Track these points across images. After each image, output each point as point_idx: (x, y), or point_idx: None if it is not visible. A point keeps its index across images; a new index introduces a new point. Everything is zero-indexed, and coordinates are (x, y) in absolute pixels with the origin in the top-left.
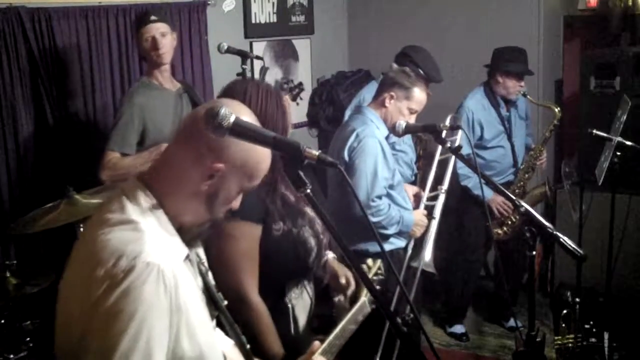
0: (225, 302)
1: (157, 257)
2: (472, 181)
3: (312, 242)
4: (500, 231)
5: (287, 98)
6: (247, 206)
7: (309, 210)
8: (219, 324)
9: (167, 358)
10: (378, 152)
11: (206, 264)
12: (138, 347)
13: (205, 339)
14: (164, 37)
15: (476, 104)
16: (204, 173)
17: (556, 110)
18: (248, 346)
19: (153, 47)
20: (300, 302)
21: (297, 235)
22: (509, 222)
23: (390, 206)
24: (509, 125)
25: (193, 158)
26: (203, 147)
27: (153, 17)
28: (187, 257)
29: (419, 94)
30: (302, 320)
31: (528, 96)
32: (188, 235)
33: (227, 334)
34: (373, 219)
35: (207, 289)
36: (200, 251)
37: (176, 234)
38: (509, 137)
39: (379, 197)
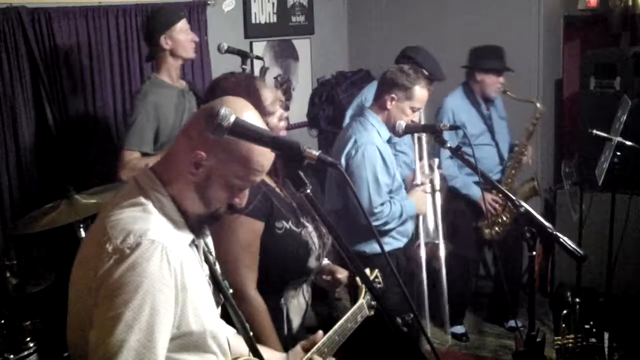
0: (231, 291)
1: (162, 236)
2: (459, 181)
3: (313, 243)
4: (492, 232)
5: (278, 92)
6: (249, 201)
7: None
8: (224, 314)
9: (172, 334)
10: (377, 159)
11: (214, 253)
12: (141, 318)
13: (210, 320)
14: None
15: (456, 104)
16: (190, 161)
17: (537, 105)
18: (251, 333)
19: (192, 38)
20: (295, 304)
21: (298, 235)
22: (500, 221)
23: (391, 204)
24: (490, 123)
25: (185, 147)
26: (193, 137)
27: (182, 14)
28: (193, 242)
29: (420, 92)
30: (295, 322)
31: (508, 92)
32: (192, 223)
33: (231, 323)
34: (377, 223)
35: (213, 277)
36: (209, 241)
37: (182, 220)
38: (492, 136)
39: (382, 204)
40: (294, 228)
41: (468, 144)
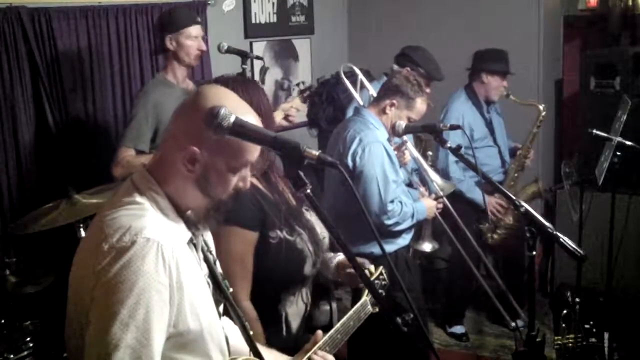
0: (231, 290)
1: (157, 234)
2: (464, 185)
3: (308, 250)
4: (495, 236)
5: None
6: (242, 212)
7: (309, 215)
8: (225, 312)
9: (168, 332)
10: (384, 156)
11: (214, 252)
12: (137, 316)
13: (208, 319)
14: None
15: (463, 107)
16: (184, 158)
17: (540, 107)
18: (251, 332)
19: (199, 47)
20: (295, 308)
21: (292, 243)
22: (502, 224)
23: (402, 204)
24: (492, 126)
25: (176, 145)
26: (180, 134)
27: (199, 19)
28: (191, 241)
29: (420, 105)
30: (295, 324)
31: (512, 96)
32: (194, 219)
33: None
34: (389, 222)
35: (213, 276)
36: (209, 239)
37: (179, 218)
38: (494, 138)
39: (392, 201)
40: (288, 237)
41: (471, 147)
